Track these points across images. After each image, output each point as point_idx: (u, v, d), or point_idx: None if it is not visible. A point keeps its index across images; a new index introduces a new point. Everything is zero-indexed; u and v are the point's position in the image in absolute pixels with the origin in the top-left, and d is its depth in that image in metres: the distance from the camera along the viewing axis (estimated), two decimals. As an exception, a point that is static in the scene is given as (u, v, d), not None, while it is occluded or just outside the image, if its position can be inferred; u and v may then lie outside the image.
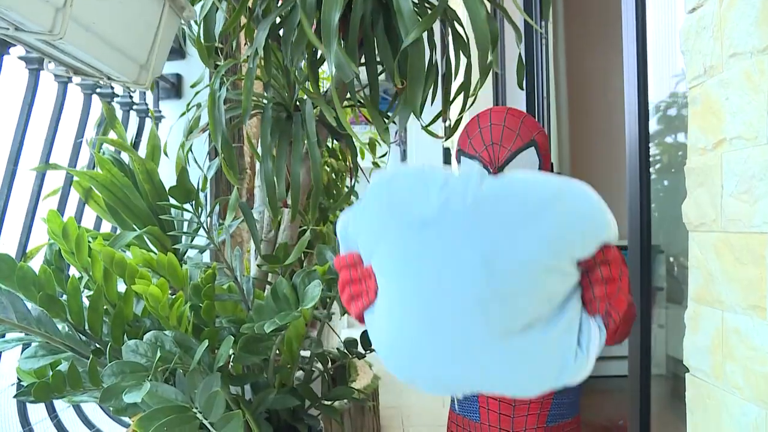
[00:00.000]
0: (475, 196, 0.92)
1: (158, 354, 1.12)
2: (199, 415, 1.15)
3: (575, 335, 0.97)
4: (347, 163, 2.96)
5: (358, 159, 2.18)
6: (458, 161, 1.27)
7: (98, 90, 1.83)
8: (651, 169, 1.80)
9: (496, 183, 0.95)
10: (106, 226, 1.97)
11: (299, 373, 1.64)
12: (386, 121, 1.66)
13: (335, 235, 2.52)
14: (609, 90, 2.96)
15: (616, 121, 1.88)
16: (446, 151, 5.37)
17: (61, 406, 1.82)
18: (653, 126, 1.76)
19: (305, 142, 1.64)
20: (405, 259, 0.96)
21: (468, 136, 1.26)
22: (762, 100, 0.88)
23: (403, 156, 6.71)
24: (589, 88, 3.15)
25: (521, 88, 1.79)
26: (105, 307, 1.43)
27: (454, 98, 1.74)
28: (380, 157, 2.32)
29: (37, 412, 1.76)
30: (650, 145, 1.71)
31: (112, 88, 1.86)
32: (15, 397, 1.21)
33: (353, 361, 3.08)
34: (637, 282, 1.67)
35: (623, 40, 1.74)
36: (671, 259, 1.87)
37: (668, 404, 1.84)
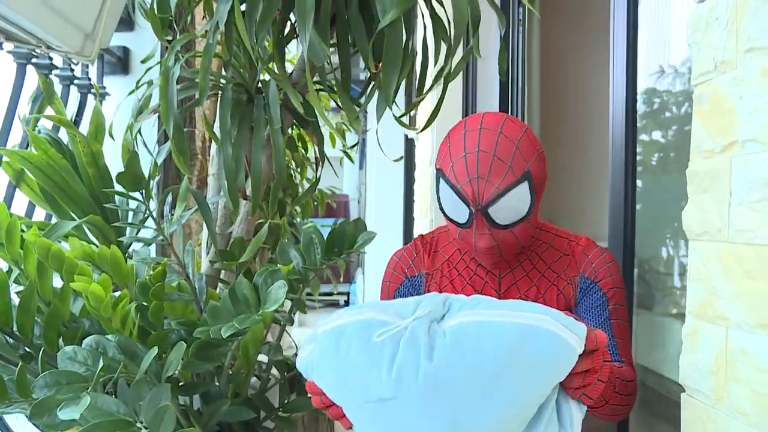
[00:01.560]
0: (426, 372, 0.85)
1: (101, 363, 1.04)
2: (143, 431, 1.07)
3: (556, 424, 0.94)
4: (307, 154, 2.89)
5: (327, 147, 2.11)
6: (437, 182, 1.20)
7: (34, 60, 1.71)
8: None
9: (446, 348, 0.87)
10: (40, 214, 1.85)
11: (254, 381, 1.56)
12: (358, 108, 1.60)
13: (290, 226, 2.44)
14: (590, 79, 2.95)
15: (597, 114, 1.86)
16: (410, 143, 5.31)
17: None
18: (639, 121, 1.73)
19: (267, 127, 1.56)
20: (370, 429, 0.92)
21: (450, 158, 1.16)
22: (783, 100, 0.85)
23: (363, 146, 6.64)
24: (568, 77, 3.13)
25: (503, 77, 1.75)
26: (38, 306, 1.33)
27: (431, 87, 1.68)
28: (351, 147, 2.25)
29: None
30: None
31: (51, 58, 1.75)
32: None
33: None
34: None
35: (612, 24, 1.71)
36: (644, 262, 1.85)
37: (637, 415, 1.82)
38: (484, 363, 0.85)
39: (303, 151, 2.88)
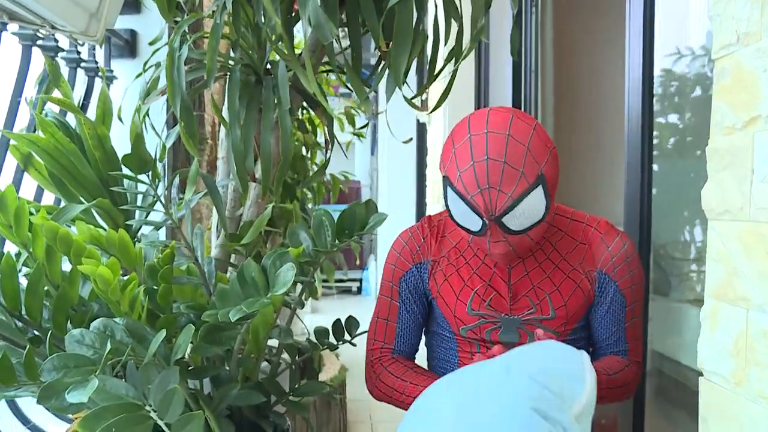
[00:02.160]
0: None
1: (108, 346, 1.03)
2: (153, 415, 1.06)
3: None
4: (318, 137, 2.88)
5: (336, 131, 2.09)
6: (445, 189, 1.16)
7: (39, 42, 1.69)
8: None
9: None
10: (49, 198, 1.85)
11: (264, 365, 1.56)
12: (368, 89, 1.58)
13: (302, 211, 2.43)
14: (606, 62, 2.91)
15: (613, 98, 1.83)
16: (422, 127, 5.28)
17: (-7, 398, 1.71)
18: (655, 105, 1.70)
19: (276, 109, 1.54)
20: None
21: (457, 166, 1.12)
22: (808, 73, 0.82)
23: (374, 131, 6.62)
24: (583, 60, 3.09)
25: (515, 58, 1.72)
26: (46, 289, 1.32)
27: (442, 68, 1.66)
28: (360, 127, 2.23)
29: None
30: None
31: (56, 40, 1.73)
32: (-66, 393, 1.11)
33: (318, 353, 3.01)
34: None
35: (628, 5, 1.68)
36: (659, 248, 1.83)
37: (652, 402, 1.81)
38: None
39: (313, 135, 2.87)
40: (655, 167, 1.71)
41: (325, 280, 2.55)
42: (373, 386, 1.42)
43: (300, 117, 2.35)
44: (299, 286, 1.52)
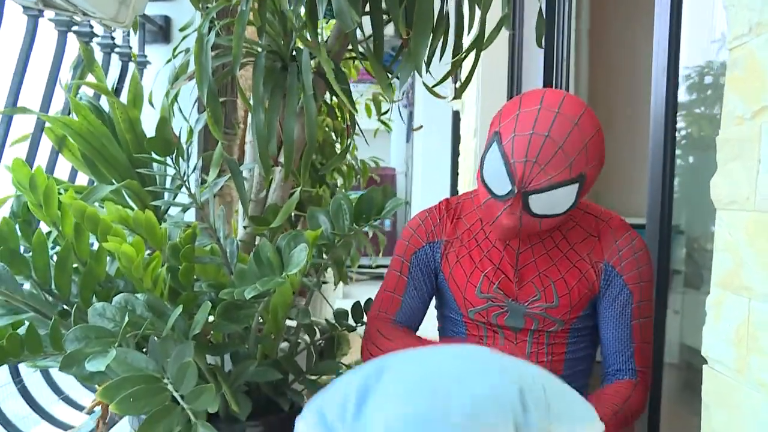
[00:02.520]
0: None
1: (126, 319, 1.08)
2: (170, 386, 1.11)
3: None
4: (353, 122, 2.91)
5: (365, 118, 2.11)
6: (490, 144, 1.16)
7: (74, 28, 1.75)
8: (678, 144, 1.74)
9: None
10: (83, 179, 1.92)
11: (284, 345, 1.60)
12: (389, 75, 1.60)
13: (331, 198, 2.46)
14: (637, 53, 2.87)
15: (643, 88, 1.81)
16: (455, 114, 5.27)
17: (27, 370, 1.79)
18: (683, 96, 1.69)
19: (300, 95, 1.58)
20: None
21: (515, 129, 1.12)
22: (814, 63, 0.82)
23: (409, 119, 6.64)
24: (615, 50, 3.06)
25: (539, 46, 1.72)
26: (75, 266, 1.38)
27: (465, 56, 1.67)
28: (383, 113, 2.25)
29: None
30: (678, 116, 1.65)
31: (91, 26, 1.79)
32: (-33, 359, 1.17)
33: (344, 334, 3.05)
34: (654, 263, 1.63)
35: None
36: (692, 241, 1.82)
37: (679, 395, 1.80)
38: None
39: (343, 121, 2.90)
40: (690, 159, 1.70)
41: (348, 266, 2.59)
42: (366, 350, 1.42)
43: (329, 103, 2.38)
44: (330, 271, 1.56)
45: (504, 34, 1.82)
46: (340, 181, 3.34)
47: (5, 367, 1.77)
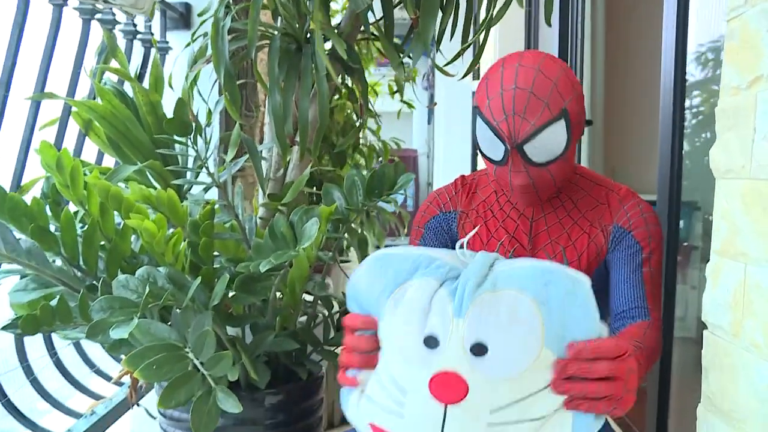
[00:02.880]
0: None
1: (147, 289, 1.12)
2: (190, 354, 1.15)
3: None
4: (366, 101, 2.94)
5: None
6: (474, 119, 1.19)
7: (98, 16, 1.80)
8: (692, 121, 1.75)
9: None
10: (109, 161, 1.97)
11: (303, 319, 1.64)
12: (401, 55, 1.62)
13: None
14: (651, 31, 2.85)
15: (656, 66, 1.81)
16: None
17: (61, 344, 1.85)
18: (695, 73, 1.69)
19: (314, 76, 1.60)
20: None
21: (487, 95, 1.15)
22: (803, 31, 0.83)
23: (430, 99, 6.62)
24: (630, 29, 3.04)
25: (548, 24, 1.73)
26: (102, 243, 1.43)
27: (477, 35, 1.68)
28: (394, 92, 2.27)
29: (36, 350, 1.79)
30: (693, 94, 1.65)
31: (114, 14, 1.83)
32: (3, 329, 1.23)
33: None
34: (664, 236, 1.64)
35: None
36: (709, 216, 1.82)
37: (695, 368, 1.81)
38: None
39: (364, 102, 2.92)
40: (707, 135, 1.69)
41: (377, 246, 2.62)
42: None
43: (350, 86, 2.41)
44: (353, 251, 1.58)
45: (520, 13, 1.82)
46: (362, 162, 3.37)
47: (41, 342, 1.84)
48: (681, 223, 1.71)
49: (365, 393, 0.92)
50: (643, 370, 1.14)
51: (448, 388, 0.83)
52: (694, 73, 1.76)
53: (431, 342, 0.83)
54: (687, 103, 1.67)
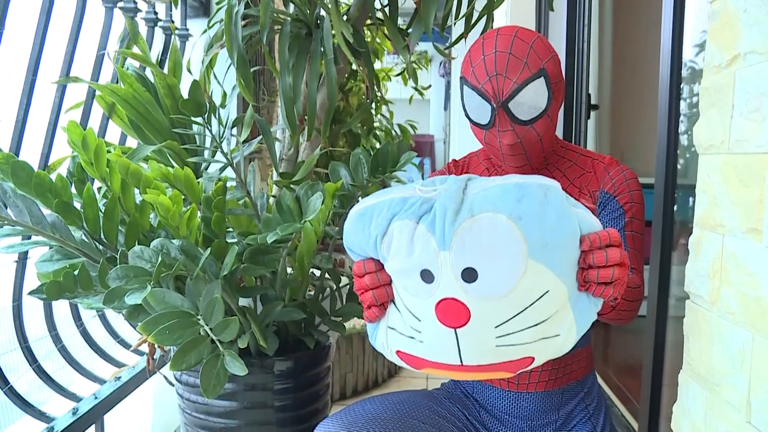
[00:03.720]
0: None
1: (160, 259, 1.16)
2: (201, 321, 1.19)
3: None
4: (374, 88, 2.96)
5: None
6: (461, 90, 1.22)
7: (120, 4, 1.83)
8: (692, 104, 1.74)
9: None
10: (132, 142, 2.01)
11: (312, 292, 1.67)
12: (404, 39, 1.64)
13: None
14: (658, 17, 2.83)
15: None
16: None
17: (87, 315, 1.91)
18: (699, 62, 1.68)
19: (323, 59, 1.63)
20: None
21: (471, 63, 1.19)
22: (777, 10, 0.84)
23: (447, 88, 6.63)
24: (637, 15, 3.01)
25: (551, 9, 1.74)
26: (122, 217, 1.47)
27: (478, 20, 1.69)
28: (398, 74, 2.28)
29: (63, 321, 1.85)
30: (699, 80, 1.65)
31: (135, 2, 1.87)
32: (29, 294, 1.27)
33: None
34: (659, 219, 1.64)
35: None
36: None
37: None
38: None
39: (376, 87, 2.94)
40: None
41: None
42: None
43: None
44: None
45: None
46: (377, 146, 3.39)
47: (69, 313, 1.89)
48: (686, 203, 1.72)
49: (389, 325, 0.96)
50: (626, 305, 1.14)
51: (451, 314, 0.86)
52: (697, 61, 1.76)
53: (427, 276, 0.86)
54: (692, 90, 1.67)
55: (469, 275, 0.84)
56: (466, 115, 1.23)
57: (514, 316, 0.85)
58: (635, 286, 1.15)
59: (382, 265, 0.93)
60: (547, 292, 0.85)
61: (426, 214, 0.87)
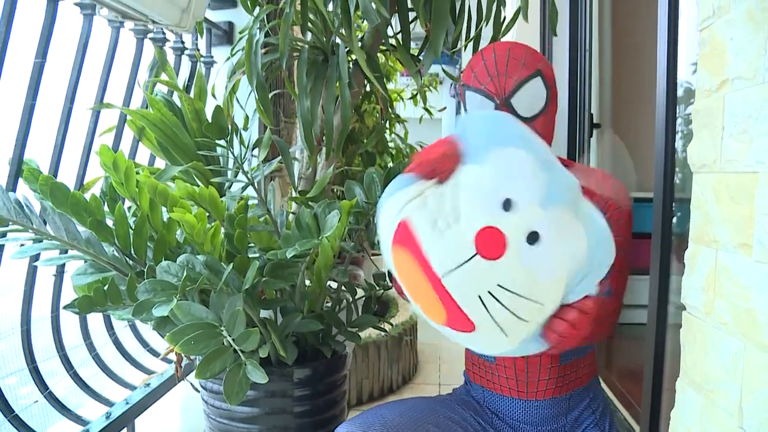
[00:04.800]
0: None
1: (185, 273, 1.18)
2: (224, 332, 1.21)
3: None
4: (389, 110, 2.98)
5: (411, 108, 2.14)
6: (464, 96, 1.24)
7: (150, 35, 1.88)
8: (688, 120, 1.74)
9: None
10: (160, 163, 2.05)
11: (330, 304, 1.69)
12: (417, 64, 1.66)
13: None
14: (656, 38, 2.84)
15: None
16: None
17: (119, 326, 1.94)
18: (690, 79, 1.69)
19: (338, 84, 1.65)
20: None
21: (472, 70, 1.21)
22: (761, 39, 0.85)
23: (458, 106, 6.65)
24: (636, 36, 3.02)
25: (554, 34, 1.75)
26: (150, 234, 1.50)
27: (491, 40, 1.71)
28: (411, 97, 2.31)
29: (97, 329, 1.88)
30: (692, 99, 1.65)
31: (164, 33, 1.91)
32: (64, 308, 1.30)
33: (393, 299, 3.14)
34: (659, 231, 1.64)
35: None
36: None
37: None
38: None
39: (389, 109, 2.97)
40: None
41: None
42: None
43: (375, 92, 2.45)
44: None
45: (535, 25, 1.83)
46: (390, 164, 3.42)
47: (102, 323, 1.92)
48: (684, 215, 1.71)
49: (423, 195, 0.91)
50: (598, 329, 1.13)
51: (491, 244, 0.86)
52: (691, 81, 1.76)
53: (507, 204, 0.87)
54: (686, 108, 1.67)
55: (533, 238, 0.86)
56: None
57: (516, 294, 0.87)
58: (610, 311, 1.14)
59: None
60: (542, 305, 0.88)
61: (547, 166, 0.90)
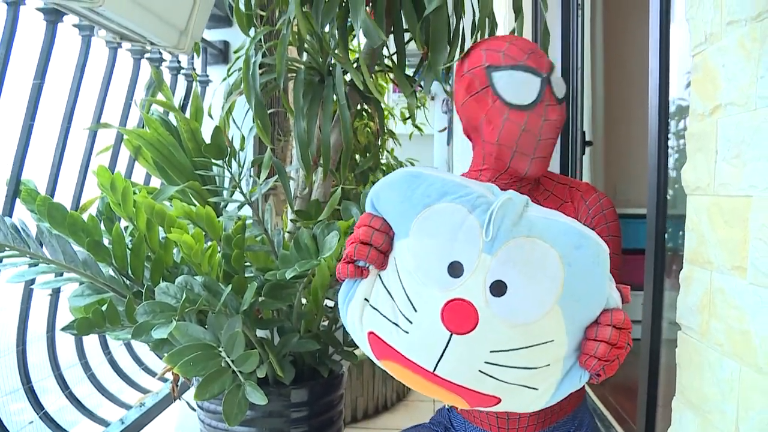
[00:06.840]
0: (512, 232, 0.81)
1: (184, 295, 1.19)
2: (222, 353, 1.21)
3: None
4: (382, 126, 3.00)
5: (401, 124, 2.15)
6: (489, 78, 1.10)
7: (147, 55, 1.89)
8: (680, 135, 1.76)
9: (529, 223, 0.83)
10: (156, 182, 2.05)
11: (326, 323, 1.69)
12: (412, 85, 1.67)
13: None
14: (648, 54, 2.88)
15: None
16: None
17: (114, 345, 1.93)
18: (687, 98, 1.71)
19: (336, 104, 1.66)
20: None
21: (497, 51, 1.09)
22: (753, 66, 0.87)
23: (450, 123, 6.68)
24: (627, 53, 3.06)
25: (545, 51, 1.77)
26: (147, 254, 1.50)
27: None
28: (406, 118, 2.32)
29: (93, 349, 1.87)
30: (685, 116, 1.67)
31: (160, 53, 1.93)
32: (62, 329, 1.30)
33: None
34: (652, 248, 1.66)
35: (650, 7, 1.69)
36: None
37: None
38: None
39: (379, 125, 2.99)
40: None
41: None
42: None
43: (369, 111, 2.46)
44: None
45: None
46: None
47: (97, 343, 1.92)
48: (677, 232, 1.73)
49: (370, 303, 0.86)
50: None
51: (460, 317, 0.79)
52: (685, 97, 1.79)
53: (455, 269, 0.79)
54: (681, 125, 1.70)
55: (498, 289, 0.78)
56: (499, 99, 1.10)
57: (513, 349, 0.81)
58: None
59: (387, 234, 0.85)
60: (551, 341, 0.81)
61: (480, 209, 0.81)
